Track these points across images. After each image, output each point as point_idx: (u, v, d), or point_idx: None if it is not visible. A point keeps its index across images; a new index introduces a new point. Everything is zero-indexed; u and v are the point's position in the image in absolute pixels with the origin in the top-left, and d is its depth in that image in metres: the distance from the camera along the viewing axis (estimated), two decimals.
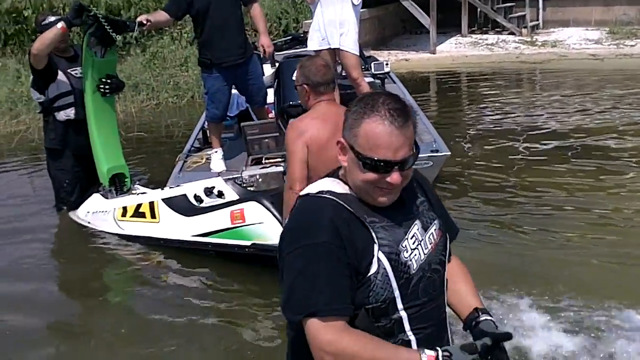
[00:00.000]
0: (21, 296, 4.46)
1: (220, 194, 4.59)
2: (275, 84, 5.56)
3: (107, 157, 5.39)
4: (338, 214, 1.67)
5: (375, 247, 1.66)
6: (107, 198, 5.38)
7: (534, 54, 12.89)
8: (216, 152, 5.51)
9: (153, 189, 5.35)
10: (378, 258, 1.66)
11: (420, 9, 13.73)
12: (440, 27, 13.75)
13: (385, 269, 1.66)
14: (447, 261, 1.86)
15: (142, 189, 5.43)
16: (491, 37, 14.45)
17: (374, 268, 1.65)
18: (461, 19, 14.55)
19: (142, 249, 4.97)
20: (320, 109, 3.51)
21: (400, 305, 1.69)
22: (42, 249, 5.26)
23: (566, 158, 6.40)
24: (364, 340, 1.60)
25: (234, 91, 5.74)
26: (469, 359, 1.63)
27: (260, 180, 5.03)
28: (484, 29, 15.21)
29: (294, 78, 5.20)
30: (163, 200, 4.89)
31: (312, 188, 1.78)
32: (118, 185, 5.44)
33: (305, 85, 3.53)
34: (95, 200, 5.46)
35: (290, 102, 5.18)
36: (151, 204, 4.96)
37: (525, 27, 14.50)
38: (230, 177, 4.95)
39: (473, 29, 15.09)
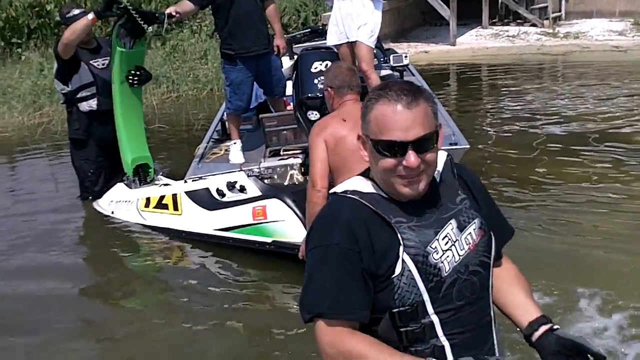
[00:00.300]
0: (47, 286, 4.53)
1: (242, 189, 4.62)
2: (294, 76, 5.59)
3: (132, 148, 5.47)
4: (357, 215, 1.62)
5: (401, 248, 1.59)
6: (130, 188, 5.45)
7: (555, 46, 12.79)
8: (235, 143, 5.55)
9: (175, 180, 5.41)
10: (403, 260, 1.58)
11: (440, 0, 13.67)
12: (460, 19, 13.69)
13: (410, 271, 1.58)
14: (491, 262, 1.73)
15: (165, 180, 5.49)
16: (512, 29, 14.35)
17: (398, 270, 1.59)
18: (482, 10, 14.46)
19: (164, 237, 5.03)
20: (343, 109, 3.63)
21: (430, 309, 1.61)
22: (68, 238, 5.34)
23: (588, 150, 6.34)
24: (366, 344, 1.57)
25: None
26: None
27: (278, 171, 5.06)
28: (505, 20, 15.10)
29: (312, 70, 5.27)
30: (186, 193, 4.93)
31: (340, 187, 1.73)
32: (142, 175, 5.51)
33: (329, 89, 3.69)
34: (118, 190, 5.53)
35: (308, 94, 5.21)
36: (174, 196, 5.00)
37: (547, 19, 14.37)
38: (249, 168, 4.98)
39: (494, 20, 14.99)
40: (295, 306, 3.87)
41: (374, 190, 1.68)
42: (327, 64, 5.23)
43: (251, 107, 6.45)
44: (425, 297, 1.60)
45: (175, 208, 4.97)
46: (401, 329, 1.60)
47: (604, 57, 11.56)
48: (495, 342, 1.71)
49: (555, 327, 1.68)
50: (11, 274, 4.75)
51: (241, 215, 4.53)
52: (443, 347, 1.62)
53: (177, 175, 5.56)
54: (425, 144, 1.59)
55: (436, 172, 1.70)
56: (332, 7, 5.75)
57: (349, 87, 3.66)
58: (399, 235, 1.60)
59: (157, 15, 5.29)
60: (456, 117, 6.59)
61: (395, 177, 1.61)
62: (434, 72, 11.42)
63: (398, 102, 1.58)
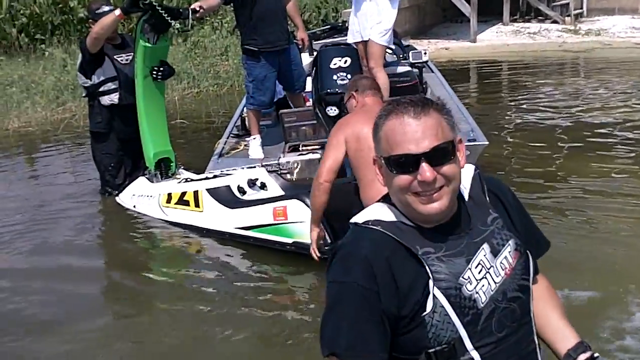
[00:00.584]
0: (67, 277, 4.61)
1: (263, 186, 4.64)
2: (313, 72, 5.63)
3: (154, 142, 5.52)
4: (379, 249, 1.50)
5: (430, 282, 1.47)
6: (152, 182, 5.52)
7: (577, 43, 12.70)
8: (254, 139, 5.60)
9: (197, 174, 5.47)
10: (434, 295, 1.46)
11: None
12: (481, 16, 13.63)
13: (443, 306, 1.46)
14: (530, 284, 1.60)
15: (187, 174, 5.55)
16: (533, 26, 14.26)
17: (429, 306, 1.46)
18: (503, 7, 14.38)
19: (184, 231, 5.08)
20: (365, 108, 3.73)
21: (469, 345, 1.49)
22: (90, 231, 5.43)
23: (608, 147, 6.31)
24: None
25: None
26: None
27: (297, 167, 5.10)
28: (526, 17, 15.01)
29: (331, 66, 5.31)
30: (207, 190, 4.95)
31: (360, 217, 1.60)
32: (163, 169, 5.58)
33: (353, 92, 3.86)
34: (140, 184, 5.60)
35: (328, 90, 5.24)
36: (195, 193, 5.03)
37: (568, 15, 14.27)
38: (269, 163, 5.01)
39: (515, 17, 14.90)
40: (312, 304, 3.92)
41: (397, 218, 1.55)
42: (346, 60, 5.27)
43: None
44: (462, 332, 1.48)
45: (197, 205, 5.01)
46: None
47: (625, 54, 11.47)
48: None
49: (595, 355, 1.59)
50: (31, 262, 4.88)
51: (262, 214, 4.55)
52: None
53: (198, 170, 5.62)
54: (440, 155, 1.47)
55: (464, 190, 1.60)
56: (352, 3, 5.82)
57: (371, 89, 3.85)
58: (427, 268, 1.48)
59: (181, 10, 5.35)
60: (476, 114, 6.58)
61: (412, 195, 1.49)
62: (455, 69, 11.39)
63: (405, 113, 1.49)
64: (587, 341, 1.62)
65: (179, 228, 5.13)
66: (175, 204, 5.17)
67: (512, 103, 8.73)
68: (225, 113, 8.80)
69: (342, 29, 7.97)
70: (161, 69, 5.38)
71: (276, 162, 5.10)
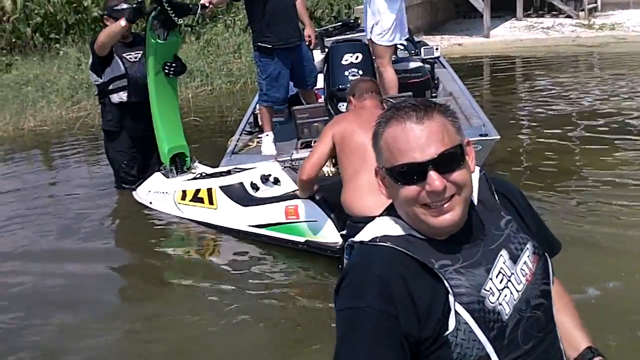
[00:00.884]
0: (80, 268, 4.73)
1: (277, 181, 4.66)
2: (325, 68, 5.65)
3: (168, 138, 5.55)
4: (391, 267, 1.37)
5: (451, 298, 1.34)
6: (167, 177, 5.56)
7: (591, 37, 12.61)
8: (267, 135, 5.63)
9: (212, 167, 5.54)
10: (456, 312, 1.34)
11: None
12: (494, 11, 13.58)
13: (467, 323, 1.34)
14: (551, 288, 1.50)
15: (202, 168, 5.59)
16: (547, 21, 14.18)
17: (451, 324, 1.33)
18: (516, 2, 14.32)
19: (199, 227, 5.12)
20: (361, 110, 3.82)
21: None
22: (103, 224, 5.52)
23: (622, 142, 6.26)
24: None
25: None
26: None
27: None
28: (540, 12, 14.93)
29: (342, 62, 5.34)
30: (221, 187, 4.98)
31: (366, 234, 1.47)
32: (178, 164, 5.62)
33: (350, 97, 3.97)
34: (156, 180, 5.65)
35: (339, 86, 5.27)
36: (209, 190, 5.06)
37: (582, 10, 14.17)
38: (283, 159, 5.04)
39: (528, 12, 14.83)
40: (328, 302, 3.91)
41: (405, 231, 1.43)
42: (357, 56, 5.31)
43: None
44: (489, 349, 1.36)
45: (211, 202, 5.04)
46: None
47: None
48: None
49: None
50: (48, 255, 4.99)
51: (274, 213, 4.57)
52: None
53: (211, 166, 5.66)
54: (448, 161, 1.35)
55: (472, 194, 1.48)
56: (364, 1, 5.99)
57: (368, 92, 3.90)
58: (445, 283, 1.35)
59: (190, 6, 5.38)
60: (488, 109, 6.58)
61: (421, 207, 1.37)
62: (468, 64, 11.36)
63: (407, 119, 1.36)
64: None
65: (193, 223, 5.18)
66: (190, 201, 5.20)
67: (525, 97, 8.71)
68: (238, 110, 8.84)
69: (354, 26, 8.00)
70: (174, 64, 5.41)
71: (289, 158, 5.12)
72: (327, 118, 5.40)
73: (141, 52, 5.65)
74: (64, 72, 10.76)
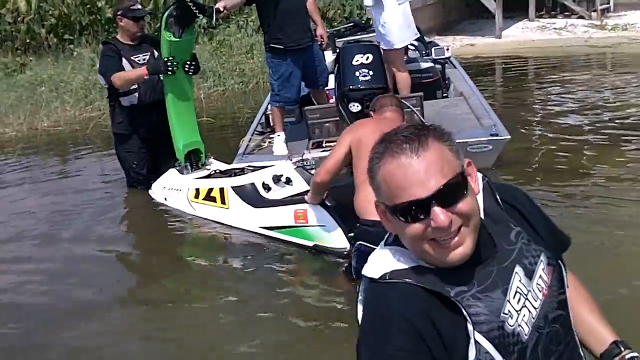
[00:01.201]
0: (99, 270, 4.75)
1: (289, 181, 4.68)
2: (336, 69, 5.69)
3: (183, 134, 5.57)
4: (411, 304, 1.31)
5: (470, 327, 1.29)
6: (182, 173, 5.59)
7: (603, 38, 12.57)
8: (279, 135, 5.67)
9: (227, 163, 5.60)
10: (476, 341, 1.29)
11: None
12: (506, 12, 13.57)
13: (488, 352, 1.30)
14: (567, 295, 1.45)
15: (217, 164, 5.62)
16: (559, 21, 14.14)
17: (472, 354, 1.29)
18: (528, 3, 14.29)
19: (213, 224, 5.16)
20: (380, 120, 3.86)
21: None
22: (121, 225, 5.59)
23: (634, 142, 6.25)
24: None
25: None
26: None
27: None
28: (552, 13, 14.88)
29: (353, 62, 5.36)
30: (232, 188, 5.01)
31: (373, 269, 1.39)
32: (193, 160, 5.64)
33: (371, 112, 4.02)
34: (171, 176, 5.68)
35: (350, 87, 5.30)
36: (221, 190, 5.09)
37: (595, 11, 14.13)
38: (295, 159, 5.07)
39: (541, 13, 14.79)
40: (344, 297, 3.92)
41: (414, 262, 1.36)
42: (368, 57, 5.33)
43: None
44: None
45: (223, 202, 5.07)
46: None
47: None
48: None
49: (629, 355, 1.48)
50: (62, 256, 5.03)
51: (283, 216, 4.59)
52: None
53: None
54: (451, 193, 1.28)
55: None
56: None
57: (388, 106, 3.96)
58: (464, 312, 1.30)
59: (206, 8, 5.40)
60: (499, 109, 6.57)
61: (428, 243, 1.31)
62: (480, 64, 11.34)
63: (401, 153, 1.28)
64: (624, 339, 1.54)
65: (206, 220, 5.22)
66: (203, 199, 5.24)
67: (536, 98, 8.68)
68: (251, 110, 8.89)
69: (366, 27, 8.04)
70: (193, 62, 5.42)
71: (300, 158, 5.16)
72: (337, 118, 5.44)
73: (149, 53, 5.68)
74: (77, 72, 10.83)
